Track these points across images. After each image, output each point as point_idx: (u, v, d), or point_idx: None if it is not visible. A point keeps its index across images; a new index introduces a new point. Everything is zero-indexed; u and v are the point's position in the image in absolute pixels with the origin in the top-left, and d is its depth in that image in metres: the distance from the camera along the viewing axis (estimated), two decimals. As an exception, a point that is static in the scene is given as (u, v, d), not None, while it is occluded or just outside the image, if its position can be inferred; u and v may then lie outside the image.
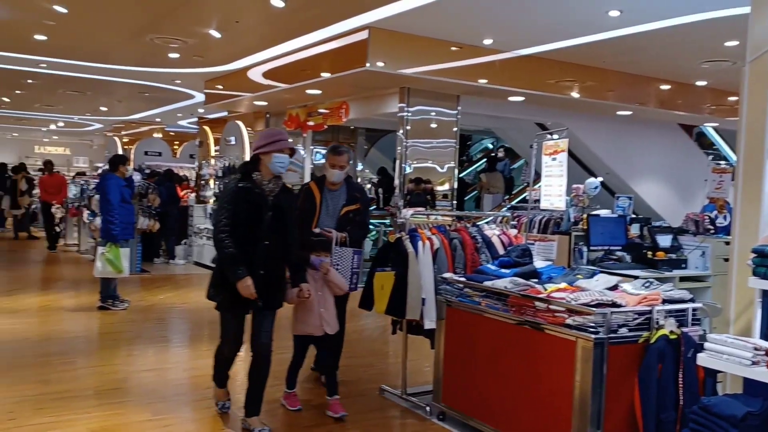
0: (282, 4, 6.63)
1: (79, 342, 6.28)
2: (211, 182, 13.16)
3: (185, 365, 5.69)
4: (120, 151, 19.80)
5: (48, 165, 14.40)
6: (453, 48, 7.99)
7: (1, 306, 7.50)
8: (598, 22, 6.93)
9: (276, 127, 11.29)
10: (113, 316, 7.23)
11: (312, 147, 12.35)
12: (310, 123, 10.76)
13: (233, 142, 12.70)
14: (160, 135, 21.07)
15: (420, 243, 4.63)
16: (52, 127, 23.21)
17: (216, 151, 13.95)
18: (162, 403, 4.59)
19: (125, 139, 21.56)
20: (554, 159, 5.16)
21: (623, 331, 3.34)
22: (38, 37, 8.75)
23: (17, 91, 14.57)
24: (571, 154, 6.08)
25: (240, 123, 12.58)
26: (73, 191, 13.32)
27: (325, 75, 8.42)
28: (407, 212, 5.09)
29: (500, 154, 14.68)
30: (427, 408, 4.49)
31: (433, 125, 8.89)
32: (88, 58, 10.33)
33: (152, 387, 4.96)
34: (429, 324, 4.54)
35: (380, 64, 7.60)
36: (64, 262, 11.65)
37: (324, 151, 12.71)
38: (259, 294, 3.84)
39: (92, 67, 11.03)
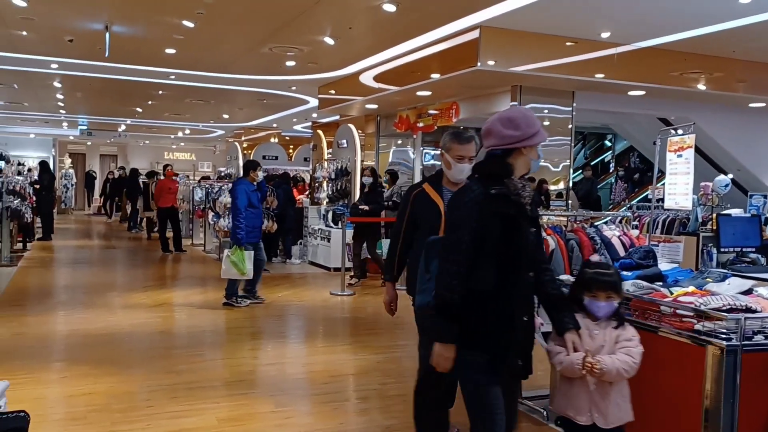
0: (393, 8, 6.74)
1: (207, 336, 6.68)
2: (324, 184, 13.57)
3: (303, 360, 5.91)
4: (240, 156, 20.87)
5: (165, 169, 14.87)
6: (568, 43, 7.76)
7: (137, 301, 8.13)
8: (727, 10, 6.49)
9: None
10: (236, 313, 7.63)
11: (422, 148, 12.43)
12: (420, 124, 10.84)
13: (345, 145, 13.02)
14: (276, 140, 21.99)
15: (534, 244, 4.54)
16: (180, 134, 24.81)
17: (329, 154, 14.38)
18: (283, 395, 4.80)
19: (245, 144, 22.70)
20: (680, 156, 4.90)
21: (759, 338, 3.12)
22: (168, 50, 9.41)
23: (149, 102, 15.73)
24: (697, 150, 5.75)
25: (351, 126, 12.89)
26: (198, 194, 14.19)
27: (435, 76, 8.46)
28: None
29: (587, 174, 13.74)
30: (544, 412, 4.40)
31: (547, 123, 8.68)
32: (212, 68, 10.98)
33: (274, 380, 5.21)
34: (545, 327, 4.46)
35: (491, 62, 7.53)
36: (191, 261, 12.43)
37: (433, 152, 12.85)
38: (522, 353, 2.73)
39: (216, 77, 11.71)
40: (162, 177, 14.55)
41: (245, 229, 7.54)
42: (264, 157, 20.47)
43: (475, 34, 7.42)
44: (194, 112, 17.39)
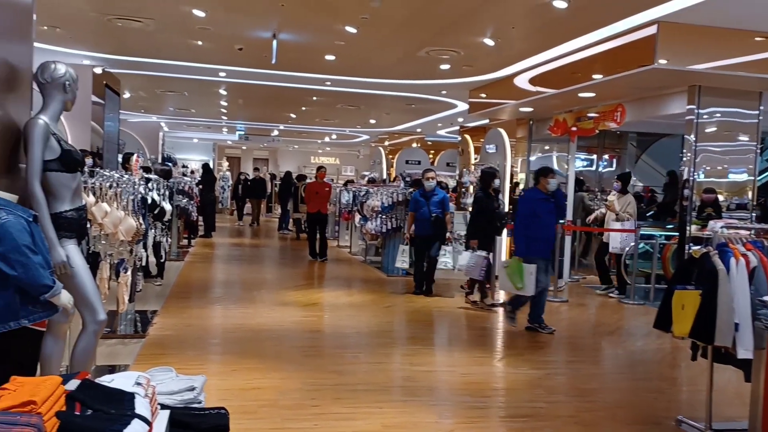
0: (564, 5, 6.41)
1: (361, 338, 6.71)
2: (471, 189, 13.35)
3: (460, 369, 5.72)
4: (384, 160, 21.22)
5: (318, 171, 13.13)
6: (757, 38, 7.00)
7: (292, 299, 8.37)
8: None
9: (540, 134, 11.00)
10: (386, 316, 7.61)
11: (576, 154, 11.84)
12: (578, 128, 10.31)
13: (494, 150, 12.72)
14: (417, 144, 22.10)
15: (732, 260, 4.06)
16: (327, 139, 25.70)
17: (476, 159, 14.13)
18: (445, 405, 4.65)
19: (388, 149, 23.04)
20: None
21: None
22: (328, 57, 9.67)
23: (303, 108, 16.37)
24: None
25: (501, 131, 12.55)
26: (345, 197, 14.52)
27: (597, 77, 7.98)
28: (716, 224, 4.51)
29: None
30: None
31: (729, 127, 7.89)
32: (367, 74, 11.16)
33: (433, 388, 5.07)
34: (744, 353, 3.96)
35: (665, 61, 6.95)
36: (338, 263, 12.69)
37: (586, 157, 12.17)
38: None
39: (369, 82, 11.90)
40: (312, 180, 13.83)
41: (524, 240, 6.98)
42: (407, 162, 20.70)
43: (651, 30, 6.89)
44: (343, 117, 17.88)
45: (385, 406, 4.54)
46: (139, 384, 1.83)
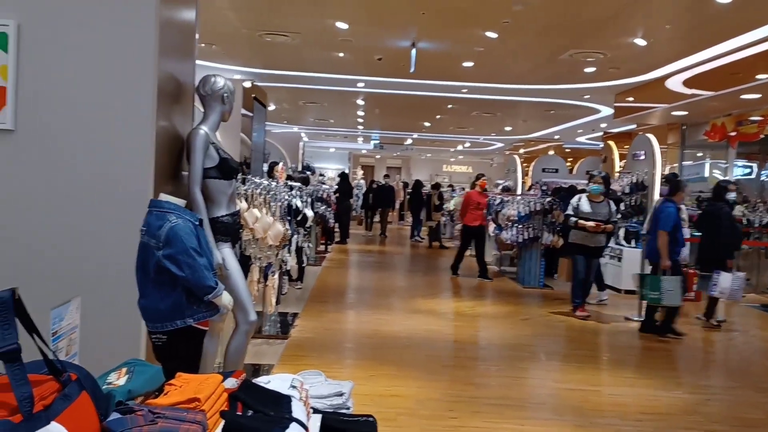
0: (727, 0, 5.88)
1: (499, 350, 6.52)
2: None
3: (607, 390, 5.38)
4: (519, 169, 20.74)
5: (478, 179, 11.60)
6: None
7: (425, 308, 8.33)
8: None
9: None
10: (525, 329, 7.36)
11: (734, 161, 10.87)
12: (739, 133, 9.45)
13: (642, 157, 11.96)
14: (553, 152, 21.38)
15: None
16: (460, 147, 25.59)
17: (621, 166, 13.40)
18: (591, 427, 4.37)
19: (523, 157, 22.51)
20: None
21: None
22: (466, 64, 9.59)
23: (438, 116, 16.39)
24: None
25: (650, 136, 11.78)
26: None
27: (762, 77, 7.25)
28: None
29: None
30: None
31: None
32: (506, 80, 10.95)
33: (578, 407, 4.79)
34: None
35: None
36: (473, 271, 12.49)
37: (750, 165, 11.12)
38: None
39: (506, 88, 11.68)
40: (469, 189, 12.17)
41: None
42: (543, 170, 20.07)
43: (833, 22, 6.16)
44: (478, 125, 17.70)
45: (527, 423, 4.36)
46: (294, 387, 1.84)
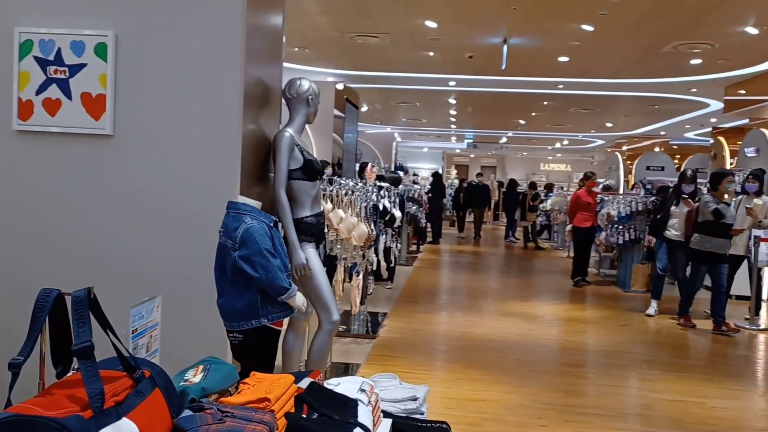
0: None
1: (593, 356, 6.27)
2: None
3: (710, 402, 5.02)
4: (621, 167, 19.89)
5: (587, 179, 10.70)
6: None
7: (518, 311, 8.13)
8: None
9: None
10: (624, 335, 7.03)
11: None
12: None
13: (754, 154, 11.15)
14: (660, 149, 20.32)
15: None
16: (557, 145, 24.87)
17: (731, 164, 12.53)
18: (693, 444, 4.10)
19: (626, 155, 21.55)
20: None
21: None
22: (561, 59, 9.28)
23: (533, 114, 16.00)
24: None
25: (765, 131, 10.96)
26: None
27: None
28: None
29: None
30: None
31: None
32: (603, 74, 10.51)
33: (677, 420, 4.51)
34: None
35: None
36: (568, 274, 12.09)
37: None
38: None
39: (605, 83, 11.21)
40: (579, 188, 11.05)
41: None
42: (647, 168, 19.11)
43: None
44: (576, 121, 17.13)
45: (620, 435, 4.15)
46: (363, 391, 1.83)
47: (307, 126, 3.75)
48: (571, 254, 14.29)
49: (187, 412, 1.60)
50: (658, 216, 8.23)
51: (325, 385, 1.90)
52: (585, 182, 10.60)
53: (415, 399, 2.21)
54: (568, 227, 15.00)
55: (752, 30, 7.07)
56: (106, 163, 3.22)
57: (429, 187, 16.46)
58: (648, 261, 9.47)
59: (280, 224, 3.29)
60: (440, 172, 24.50)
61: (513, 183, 19.28)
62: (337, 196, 4.55)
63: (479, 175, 19.39)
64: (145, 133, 3.21)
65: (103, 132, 3.23)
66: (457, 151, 30.56)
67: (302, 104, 3.62)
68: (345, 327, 6.15)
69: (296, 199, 3.48)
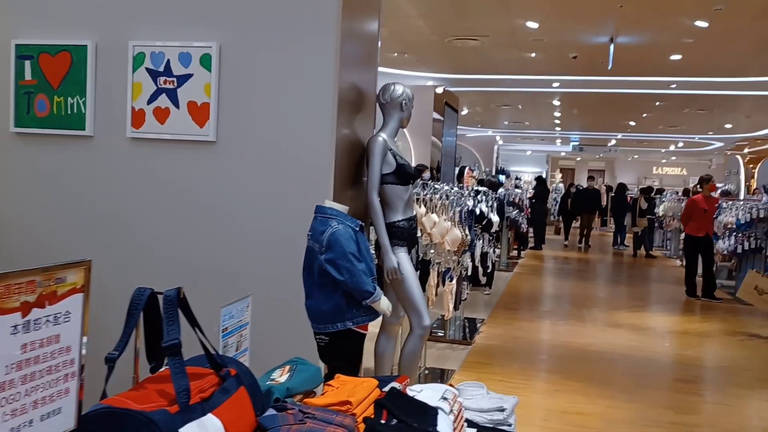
0: None
1: (706, 372, 5.88)
2: None
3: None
4: (742, 171, 18.55)
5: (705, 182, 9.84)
6: None
7: (625, 321, 7.76)
8: None
9: None
10: (745, 350, 6.53)
11: None
12: None
13: None
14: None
15: None
16: (671, 147, 23.56)
17: None
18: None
19: (747, 158, 20.07)
20: None
21: None
22: (673, 57, 8.79)
23: (644, 114, 15.24)
24: None
25: None
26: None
27: None
28: None
29: None
30: None
31: None
32: (720, 73, 9.85)
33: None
34: None
35: None
36: (679, 283, 11.40)
37: None
38: None
39: (723, 82, 10.50)
40: (699, 191, 10.11)
41: None
42: (772, 172, 17.72)
43: None
44: (691, 123, 16.15)
45: (734, 459, 3.85)
46: (445, 399, 1.79)
47: (405, 130, 3.77)
48: (683, 264, 13.53)
49: (270, 411, 1.63)
50: None
51: (408, 391, 1.88)
52: (703, 186, 9.71)
53: (502, 410, 2.14)
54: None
55: None
56: (209, 167, 3.38)
57: (532, 191, 16.03)
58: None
59: (370, 228, 3.31)
60: (544, 176, 23.88)
61: (622, 187, 18.42)
62: (431, 200, 4.52)
63: (590, 179, 18.19)
64: (244, 139, 3.34)
65: (207, 138, 3.38)
66: (563, 154, 29.64)
67: (396, 109, 3.63)
68: (441, 332, 6.11)
69: (389, 203, 3.49)
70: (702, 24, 7.02)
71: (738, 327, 7.62)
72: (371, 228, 3.55)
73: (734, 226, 9.75)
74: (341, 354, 2.58)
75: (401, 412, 1.62)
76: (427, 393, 1.83)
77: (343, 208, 2.70)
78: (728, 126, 16.69)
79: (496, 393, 2.29)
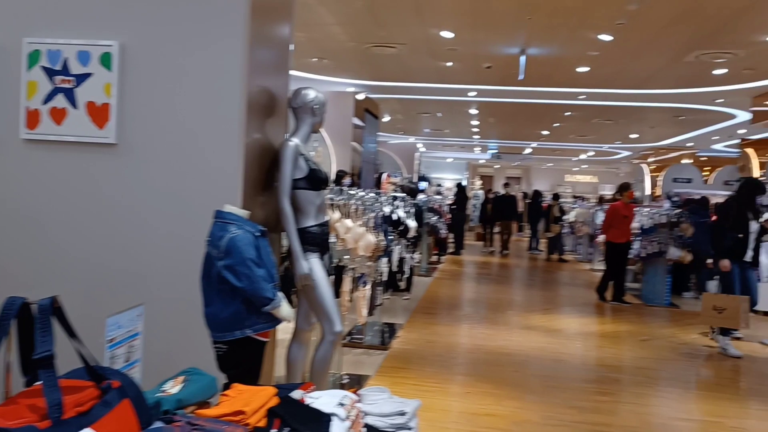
0: None
1: (611, 372, 6.11)
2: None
3: (732, 422, 4.86)
4: (647, 178, 19.57)
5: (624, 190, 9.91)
6: None
7: (536, 323, 8.00)
8: None
9: None
10: (644, 351, 6.86)
11: None
12: None
13: (784, 165, 10.89)
14: (689, 161, 19.96)
15: None
16: (582, 156, 24.58)
17: (762, 176, 12.25)
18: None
19: (652, 167, 21.22)
20: None
21: None
22: (580, 69, 9.17)
23: (555, 124, 15.84)
24: None
25: (795, 142, 10.71)
26: (600, 218, 13.56)
27: None
28: None
29: None
30: None
31: None
32: (626, 85, 10.36)
33: (695, 441, 4.37)
34: None
35: None
36: (591, 287, 11.89)
37: None
38: None
39: (628, 94, 11.05)
40: (620, 198, 10.03)
41: None
42: (674, 180, 18.79)
43: None
44: (600, 132, 16.92)
45: (632, 454, 4.02)
46: (341, 405, 1.79)
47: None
48: (595, 267, 14.12)
49: (157, 424, 1.57)
50: (735, 235, 6.75)
51: (306, 398, 1.86)
52: (623, 193, 9.81)
53: (403, 413, 2.15)
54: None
55: (777, 39, 6.93)
56: (109, 170, 3.24)
57: (453, 198, 16.32)
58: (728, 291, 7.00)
59: (282, 234, 3.25)
60: (465, 183, 24.37)
61: (537, 194, 19.05)
62: (345, 206, 4.52)
63: (506, 185, 18.56)
64: (147, 142, 3.23)
65: (107, 140, 3.25)
66: (482, 161, 30.41)
67: (307, 114, 3.61)
68: (358, 337, 6.10)
69: (301, 209, 3.46)
70: (606, 38, 7.37)
71: (643, 328, 8.01)
72: (283, 234, 3.51)
73: (639, 231, 10.24)
74: (240, 363, 2.52)
75: (294, 419, 1.59)
76: (324, 399, 1.81)
77: (243, 212, 2.65)
78: (634, 136, 17.59)
79: (399, 397, 2.30)
